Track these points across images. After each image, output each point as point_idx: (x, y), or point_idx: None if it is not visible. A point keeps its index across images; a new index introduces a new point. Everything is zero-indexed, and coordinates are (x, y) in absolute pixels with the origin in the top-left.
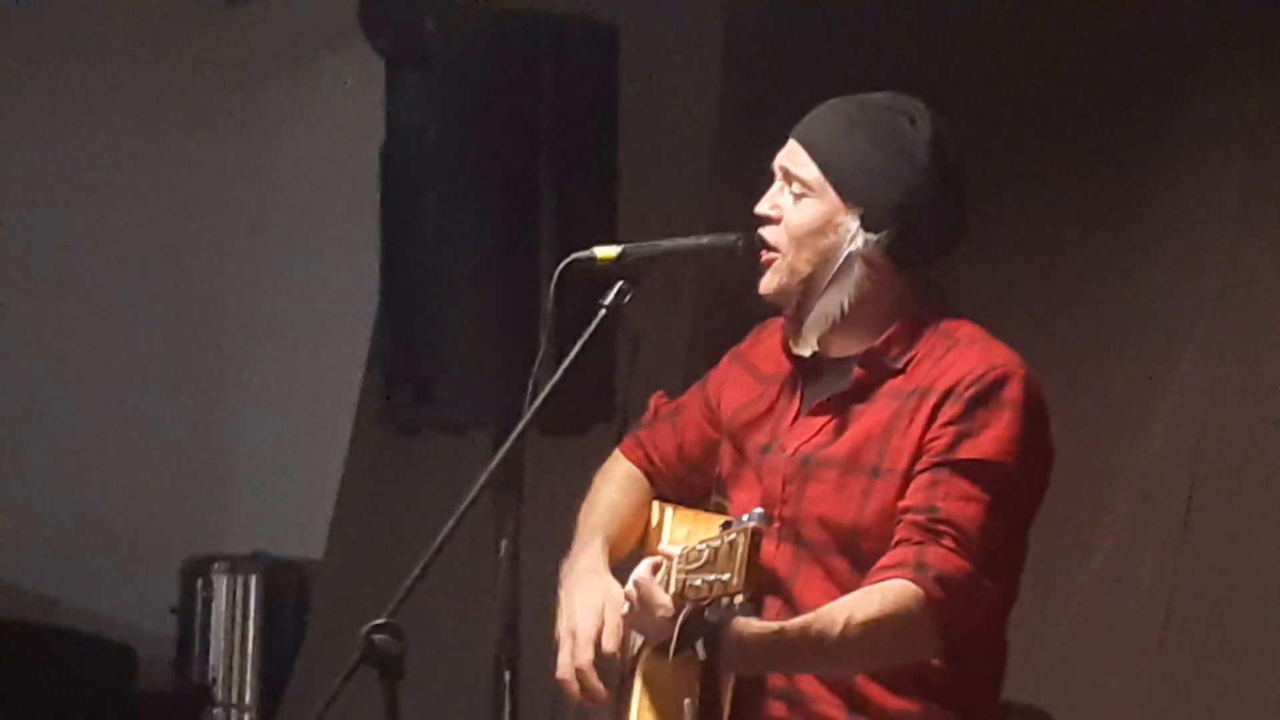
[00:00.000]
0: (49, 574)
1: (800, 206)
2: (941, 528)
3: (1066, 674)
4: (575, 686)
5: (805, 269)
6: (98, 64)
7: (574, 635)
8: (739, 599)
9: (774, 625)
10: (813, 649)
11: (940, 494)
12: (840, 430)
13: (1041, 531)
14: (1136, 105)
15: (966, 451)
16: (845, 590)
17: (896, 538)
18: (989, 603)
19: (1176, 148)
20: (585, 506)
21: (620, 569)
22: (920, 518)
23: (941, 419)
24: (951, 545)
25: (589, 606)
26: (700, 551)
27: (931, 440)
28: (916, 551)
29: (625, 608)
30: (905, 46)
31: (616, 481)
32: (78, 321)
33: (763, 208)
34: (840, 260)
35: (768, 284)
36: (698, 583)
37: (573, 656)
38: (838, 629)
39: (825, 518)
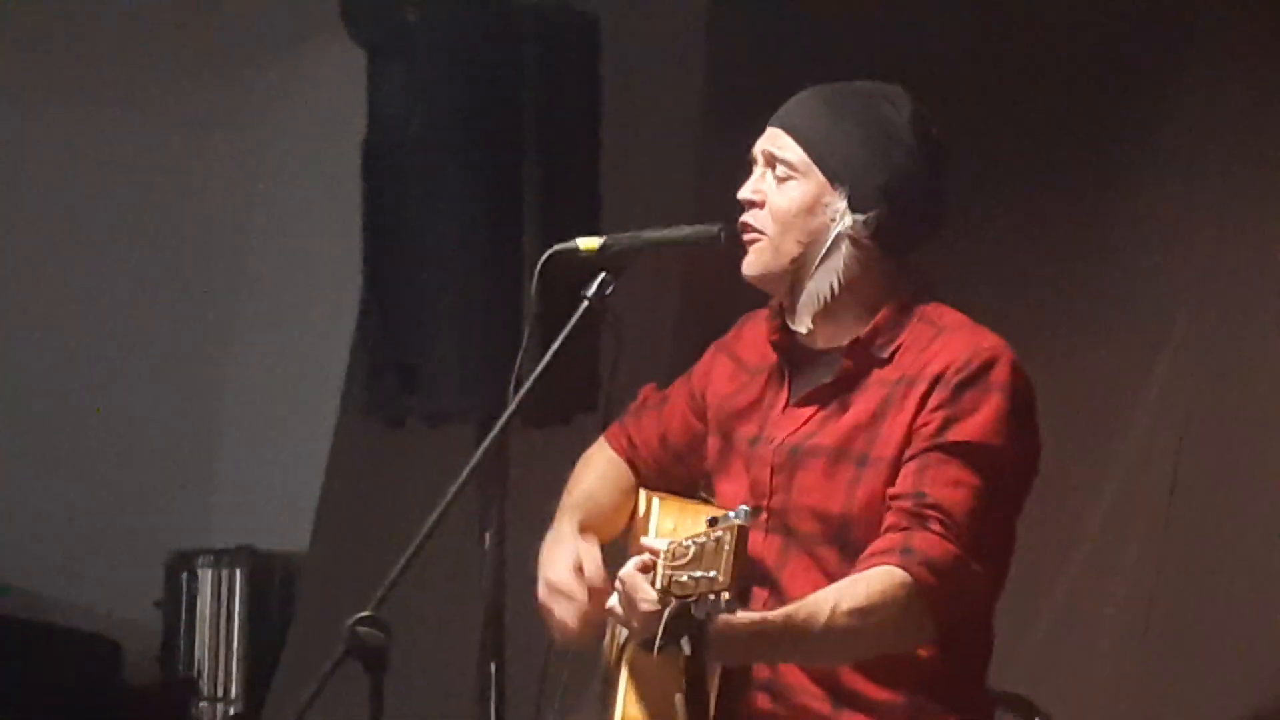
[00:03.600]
0: (34, 568)
1: (785, 189)
2: (929, 512)
3: (1052, 663)
4: (579, 634)
5: (795, 249)
6: (79, 55)
7: (560, 591)
8: (725, 595)
9: (758, 615)
10: (798, 637)
11: (928, 479)
12: (828, 420)
13: (1026, 520)
14: (1119, 95)
15: (954, 434)
16: (834, 580)
17: (885, 525)
18: (978, 587)
19: (1159, 140)
20: (565, 491)
21: (604, 556)
22: (908, 504)
23: (930, 405)
24: (939, 530)
25: (560, 565)
26: (686, 548)
27: (920, 426)
28: (904, 537)
29: (613, 600)
30: (888, 34)
31: (596, 467)
32: (61, 314)
33: (745, 193)
34: (829, 241)
35: (751, 265)
36: (684, 579)
37: (570, 606)
38: (823, 617)
39: (814, 507)
